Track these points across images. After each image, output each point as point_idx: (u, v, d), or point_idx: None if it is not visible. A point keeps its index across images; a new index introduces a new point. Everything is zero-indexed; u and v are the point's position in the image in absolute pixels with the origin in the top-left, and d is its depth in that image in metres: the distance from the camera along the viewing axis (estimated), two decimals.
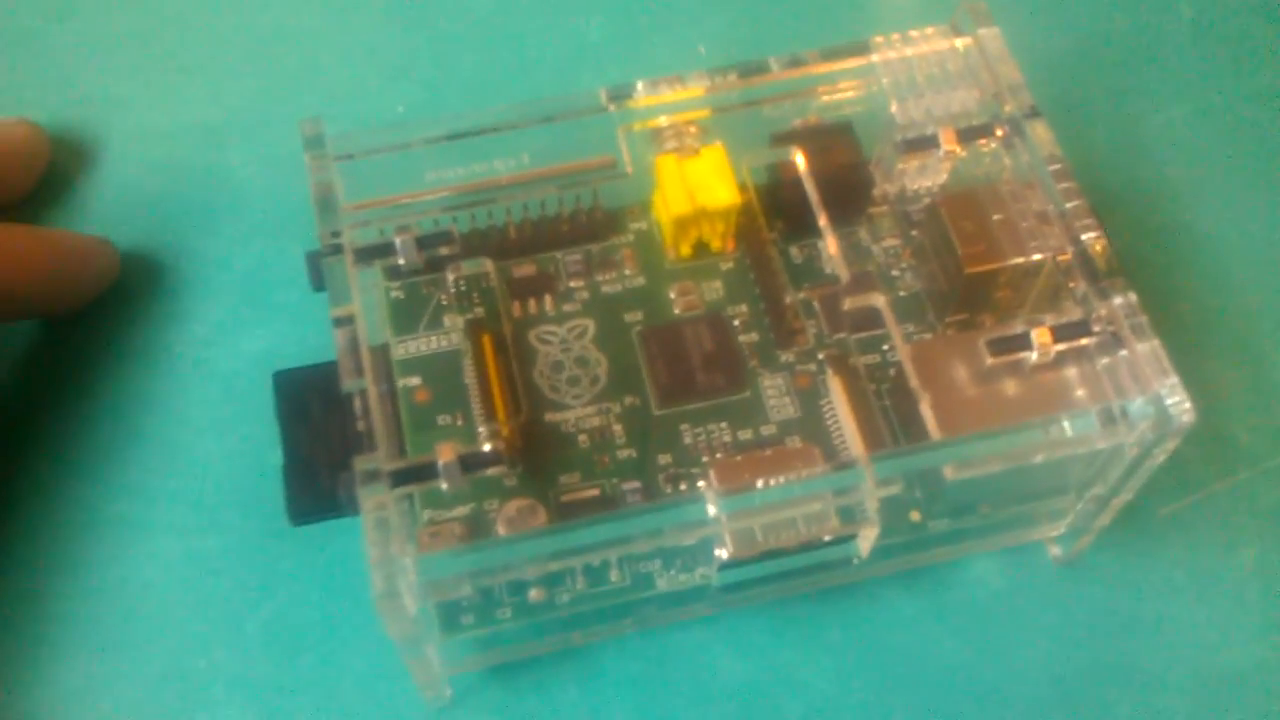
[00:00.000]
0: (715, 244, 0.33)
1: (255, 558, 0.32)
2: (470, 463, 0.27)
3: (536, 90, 0.38)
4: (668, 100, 0.32)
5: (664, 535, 0.27)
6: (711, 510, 0.26)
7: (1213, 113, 0.39)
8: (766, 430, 0.31)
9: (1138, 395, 0.27)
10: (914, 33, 0.32)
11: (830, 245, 0.32)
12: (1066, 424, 0.28)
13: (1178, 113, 0.39)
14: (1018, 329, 0.29)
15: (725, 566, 0.28)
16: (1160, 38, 0.40)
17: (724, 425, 0.31)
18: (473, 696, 0.30)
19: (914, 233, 0.33)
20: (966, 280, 0.30)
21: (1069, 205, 0.29)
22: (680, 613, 0.31)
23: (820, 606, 0.32)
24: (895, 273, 0.33)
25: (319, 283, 0.29)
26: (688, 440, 0.31)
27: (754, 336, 0.32)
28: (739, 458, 0.30)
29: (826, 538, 0.27)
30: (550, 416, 0.31)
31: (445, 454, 0.27)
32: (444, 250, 0.31)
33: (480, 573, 0.27)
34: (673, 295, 0.33)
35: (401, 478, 0.27)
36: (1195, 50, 0.40)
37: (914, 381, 0.29)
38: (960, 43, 0.32)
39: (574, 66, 0.40)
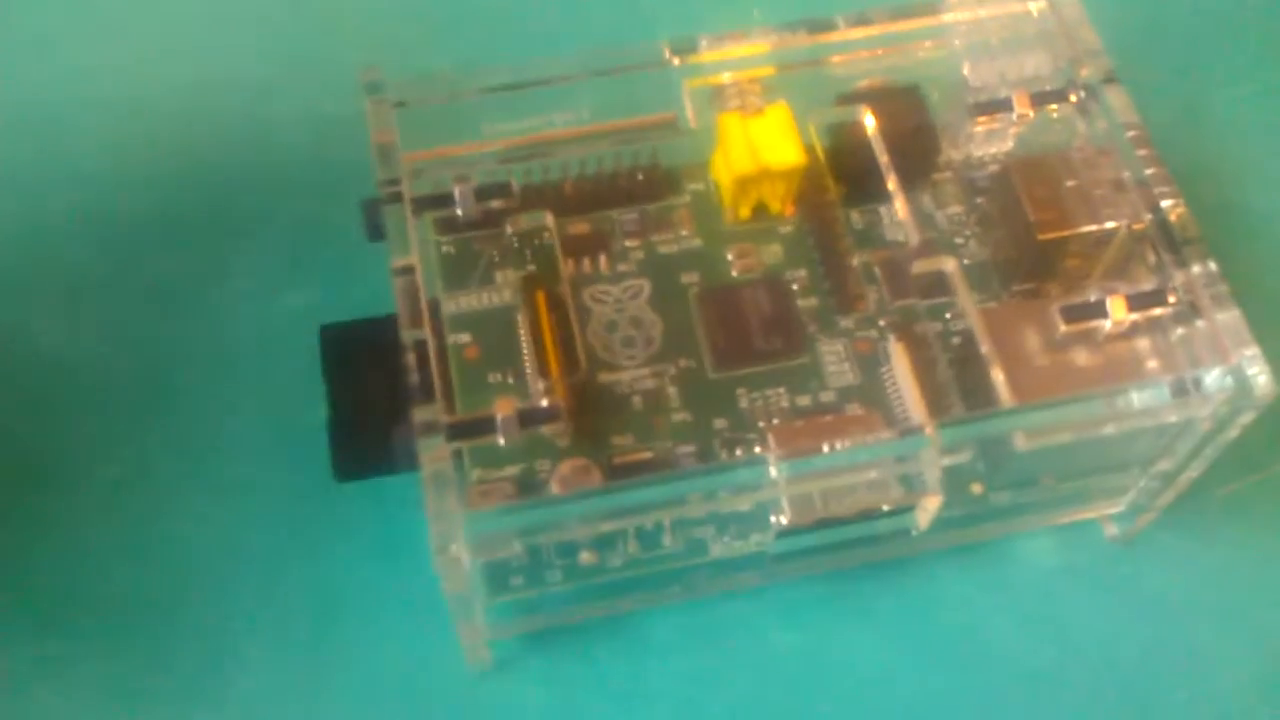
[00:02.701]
0: (775, 206, 0.33)
1: (295, 516, 0.32)
2: (528, 418, 0.27)
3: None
4: (732, 56, 0.31)
5: (721, 498, 0.26)
6: (772, 473, 0.26)
7: (1275, 93, 0.38)
8: (825, 397, 0.30)
9: (1214, 366, 0.27)
10: None
11: (899, 209, 0.31)
12: (1139, 395, 0.27)
13: (1242, 91, 0.38)
14: (1092, 297, 0.28)
15: (783, 534, 0.27)
16: (1227, 15, 0.39)
17: (781, 390, 0.30)
18: (515, 662, 0.30)
19: (979, 200, 0.33)
20: (1038, 247, 0.30)
21: (1147, 172, 0.29)
22: (730, 581, 0.30)
23: (871, 580, 0.31)
24: (959, 240, 0.32)
25: (375, 232, 0.29)
26: (744, 405, 0.30)
27: (813, 301, 0.31)
28: (798, 423, 0.29)
29: (887, 506, 0.27)
30: (604, 377, 0.31)
31: (503, 408, 0.27)
32: (501, 203, 0.31)
33: (533, 530, 0.26)
34: (730, 258, 0.32)
35: (459, 431, 0.27)
36: (1262, 29, 0.39)
37: (984, 348, 0.28)
38: (1034, 6, 0.31)
39: (625, 27, 0.39)
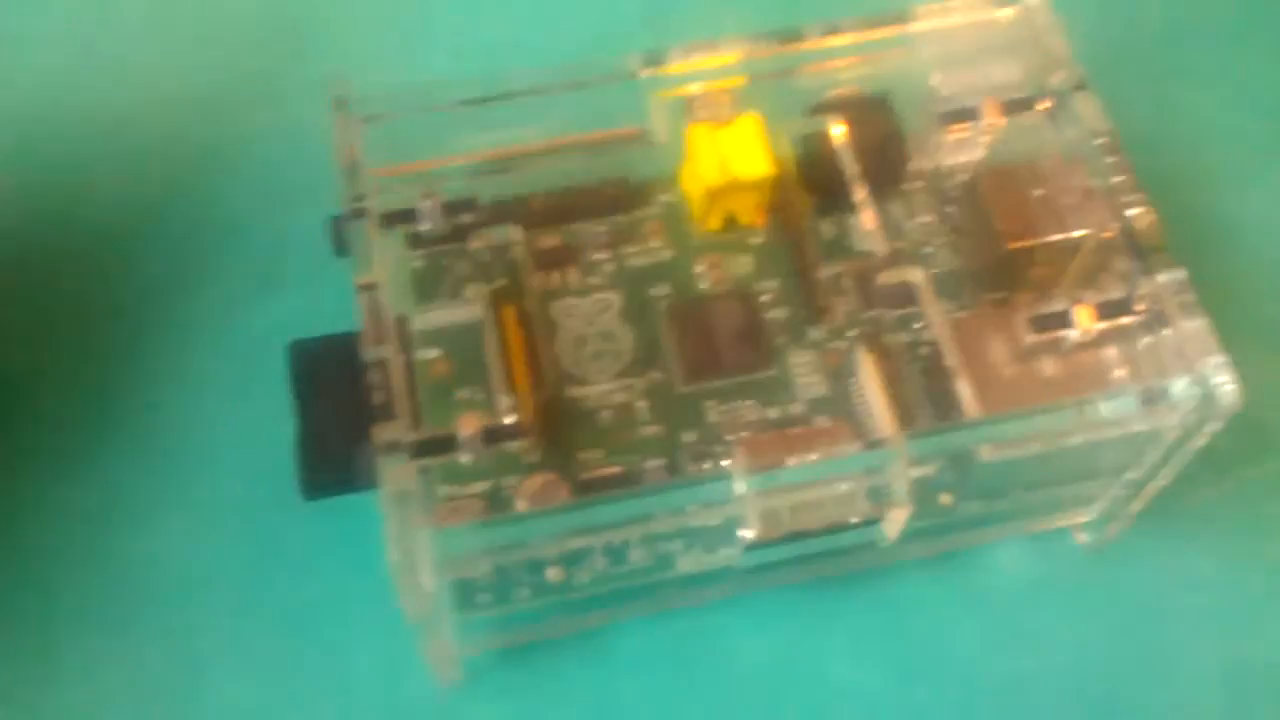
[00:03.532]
0: (745, 217, 0.32)
1: (265, 533, 0.32)
2: (493, 435, 0.27)
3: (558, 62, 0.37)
4: (701, 67, 0.31)
5: (689, 513, 0.26)
6: (739, 488, 0.26)
7: (1252, 96, 0.38)
8: (795, 409, 0.30)
9: (1182, 375, 0.26)
10: (955, 2, 0.31)
11: (867, 219, 0.31)
12: (1106, 405, 0.27)
13: (1215, 97, 0.38)
14: (1059, 306, 0.28)
15: (751, 548, 0.27)
16: (1199, 20, 0.39)
17: (750, 403, 0.30)
18: (485, 678, 0.30)
19: (949, 209, 0.32)
20: (1006, 256, 0.30)
21: (1115, 180, 0.28)
22: (700, 594, 0.30)
23: (843, 590, 0.31)
24: (929, 250, 0.32)
25: (341, 248, 0.29)
26: (713, 418, 0.30)
27: (783, 313, 0.31)
28: (766, 435, 0.29)
29: (856, 519, 0.27)
30: (572, 391, 0.30)
31: (467, 426, 0.27)
32: (468, 217, 0.30)
33: (501, 548, 0.26)
34: (700, 269, 0.32)
35: (422, 449, 0.26)
36: (1235, 34, 0.39)
37: (950, 359, 0.28)
38: (1004, 14, 0.31)
39: (600, 36, 0.39)
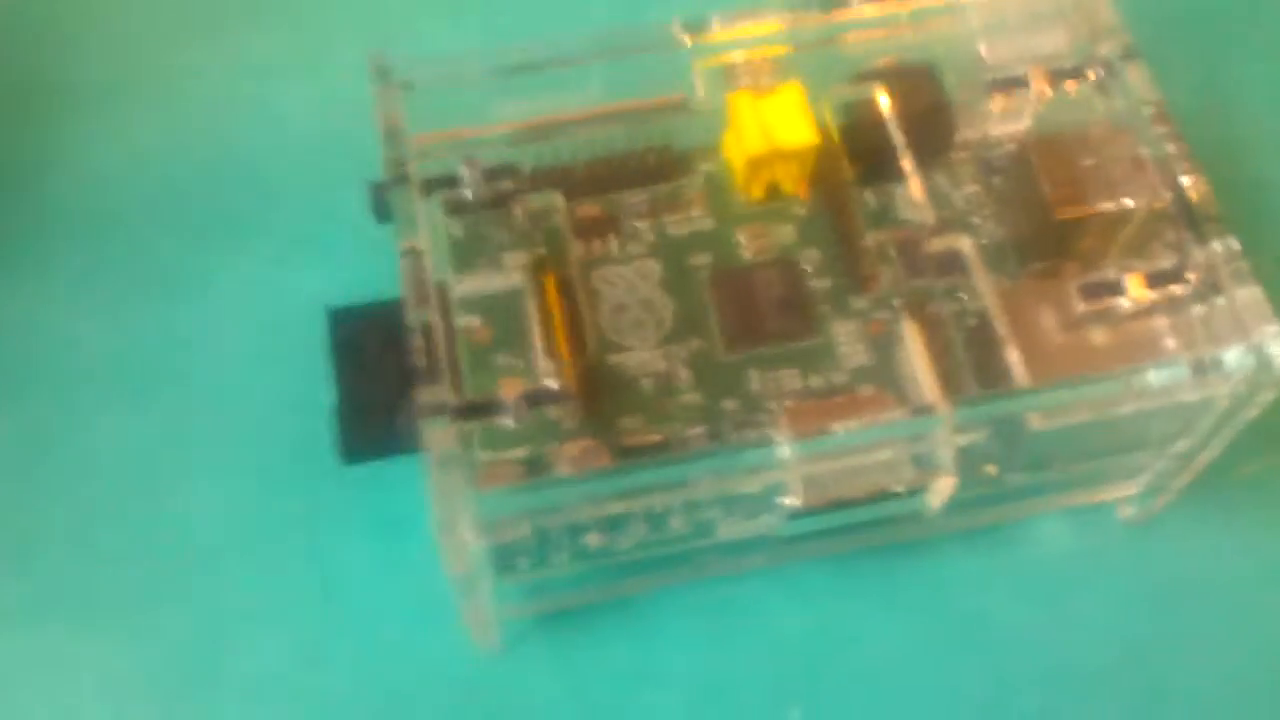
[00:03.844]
0: (788, 187, 0.32)
1: (300, 499, 0.31)
2: (536, 398, 0.27)
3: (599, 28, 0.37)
4: (744, 35, 0.31)
5: (731, 479, 0.26)
6: (784, 454, 0.25)
7: None
8: (838, 378, 0.30)
9: (1234, 344, 0.26)
10: None
11: (914, 188, 0.31)
12: (1157, 374, 0.26)
13: (1265, 67, 0.38)
14: (1110, 275, 0.28)
15: (793, 516, 0.27)
16: None
17: (793, 371, 0.30)
18: (522, 645, 0.30)
19: (995, 179, 0.32)
20: (1056, 227, 0.29)
21: (1167, 149, 0.28)
22: (740, 563, 0.30)
23: (884, 561, 0.31)
24: (975, 220, 0.32)
25: (383, 214, 0.28)
26: (755, 386, 0.30)
27: (826, 282, 0.31)
28: (810, 403, 0.29)
29: (900, 488, 0.26)
30: (613, 359, 0.30)
31: (510, 390, 0.26)
32: (509, 184, 0.30)
33: (541, 511, 0.26)
34: (742, 239, 0.32)
35: (465, 412, 0.26)
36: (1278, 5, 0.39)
37: (999, 328, 0.28)
38: None
39: (637, 4, 0.39)
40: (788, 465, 0.26)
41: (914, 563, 0.30)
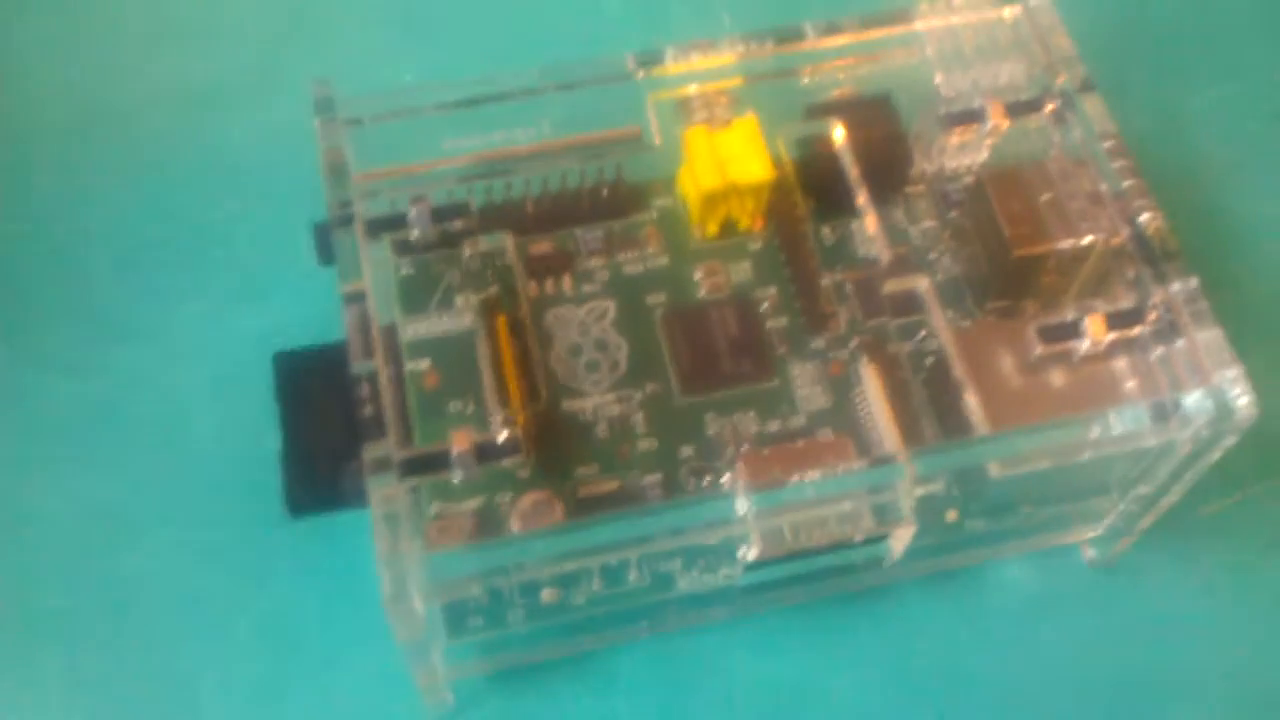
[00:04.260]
0: (744, 222, 0.32)
1: (249, 549, 0.31)
2: (486, 452, 0.26)
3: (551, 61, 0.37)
4: (698, 68, 0.30)
5: (689, 534, 0.25)
6: (741, 507, 0.25)
7: (1253, 94, 0.37)
8: (796, 421, 0.29)
9: (1195, 387, 0.26)
10: (959, 0, 0.30)
11: (870, 225, 0.30)
12: (1117, 419, 0.26)
13: (1222, 94, 0.38)
14: (1068, 316, 0.27)
15: (751, 567, 0.26)
16: (1204, 17, 0.39)
17: (751, 415, 0.29)
18: (477, 703, 0.29)
19: (953, 214, 0.32)
20: (1014, 263, 0.29)
21: (1124, 184, 0.28)
22: (699, 615, 0.29)
23: (846, 609, 0.30)
24: (932, 256, 0.31)
25: (327, 256, 0.28)
26: (712, 431, 0.29)
27: (783, 321, 0.30)
28: (767, 450, 0.28)
29: (860, 537, 0.26)
30: (567, 404, 0.30)
31: (460, 442, 0.26)
32: (460, 224, 0.30)
33: (492, 572, 0.25)
34: (698, 276, 0.31)
35: (412, 467, 0.26)
36: (1241, 30, 0.39)
37: (958, 370, 0.27)
38: (1008, 12, 0.30)
39: (593, 35, 0.38)
40: (745, 518, 0.25)
41: (876, 610, 0.30)
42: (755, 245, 0.32)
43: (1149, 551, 0.30)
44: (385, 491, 0.24)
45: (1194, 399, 0.26)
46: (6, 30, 0.39)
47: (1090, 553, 0.30)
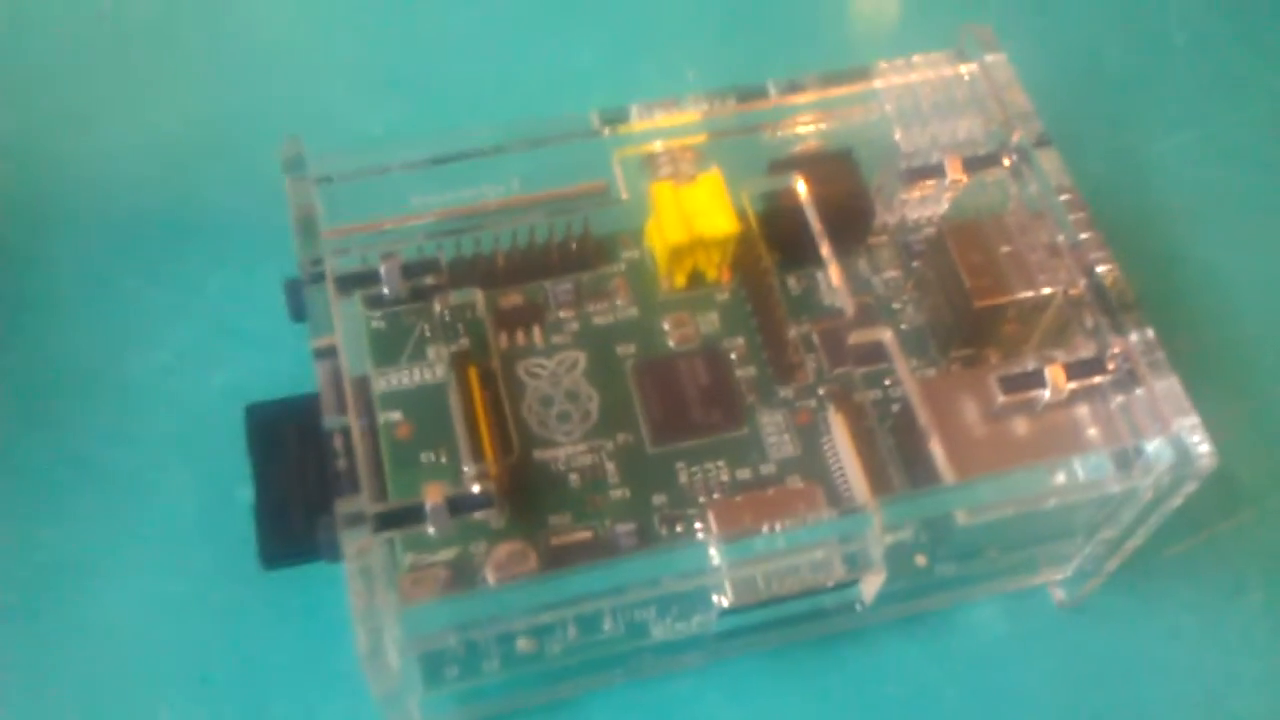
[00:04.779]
0: (711, 274, 0.32)
1: (222, 601, 0.30)
2: (459, 505, 0.26)
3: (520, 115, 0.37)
4: (662, 125, 0.31)
5: (663, 583, 0.25)
6: (713, 556, 0.25)
7: (1209, 141, 0.38)
8: (766, 469, 0.30)
9: (1155, 435, 0.26)
10: (917, 58, 0.31)
11: (834, 276, 0.31)
12: (1080, 466, 0.26)
13: (1174, 142, 0.39)
14: (1029, 366, 0.28)
15: (725, 614, 0.27)
16: (1153, 67, 0.40)
17: (721, 464, 0.30)
18: None
19: (915, 264, 0.32)
20: (975, 314, 0.29)
21: (1081, 236, 0.28)
22: (674, 662, 0.29)
23: (819, 653, 0.30)
24: (896, 305, 0.32)
25: (298, 313, 0.28)
26: (684, 479, 0.29)
27: (751, 371, 0.31)
28: (738, 498, 0.28)
29: (831, 584, 0.26)
30: (539, 454, 0.30)
31: (433, 495, 0.26)
32: (430, 279, 0.30)
33: (468, 624, 0.25)
34: (667, 327, 0.32)
35: (386, 521, 0.26)
36: (1189, 79, 0.40)
37: (923, 419, 0.28)
38: (965, 69, 0.31)
39: (560, 91, 0.39)
40: (718, 567, 0.25)
41: (850, 652, 0.30)
42: (723, 296, 0.32)
43: (1117, 592, 0.31)
44: (359, 545, 0.24)
45: (1154, 446, 0.26)
46: None
47: (1059, 594, 0.31)
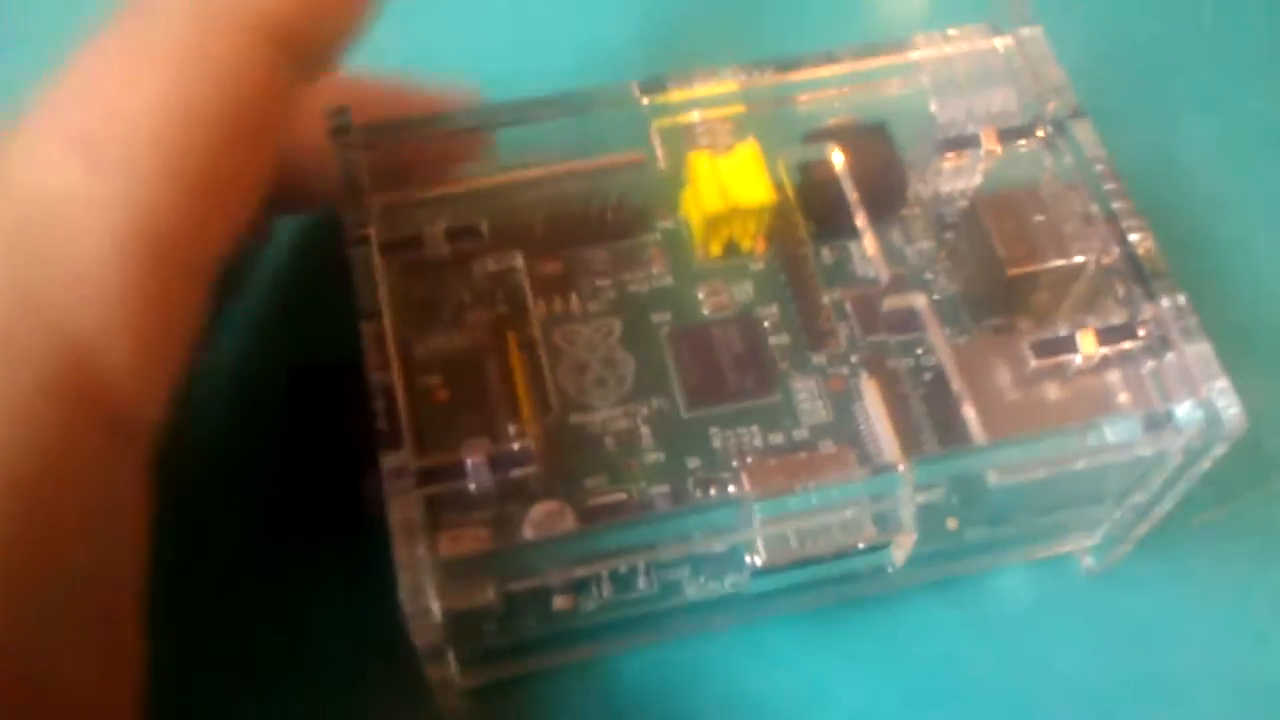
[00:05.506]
0: (746, 244, 0.33)
1: (260, 565, 0.31)
2: (499, 462, 0.27)
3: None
4: (700, 95, 0.31)
5: (696, 540, 0.26)
6: (746, 514, 0.26)
7: (1242, 121, 0.38)
8: (798, 434, 0.30)
9: (1185, 399, 0.27)
10: (953, 31, 0.32)
11: (869, 245, 0.31)
12: (1111, 430, 0.27)
13: (1209, 121, 0.39)
14: (1061, 332, 0.28)
15: (758, 574, 0.27)
16: (1191, 45, 0.40)
17: (754, 429, 0.30)
18: (488, 711, 0.29)
19: (947, 235, 0.33)
20: (1008, 282, 0.30)
21: (1115, 205, 0.29)
22: (706, 623, 0.30)
23: (850, 616, 0.31)
24: (929, 276, 0.32)
25: (343, 276, 0.28)
26: (717, 444, 0.30)
27: (785, 339, 0.31)
28: (771, 461, 0.29)
29: (863, 544, 0.27)
30: (576, 418, 0.30)
31: (474, 452, 0.26)
32: (470, 244, 0.30)
33: (507, 576, 0.26)
34: (701, 296, 0.32)
35: (428, 476, 0.26)
36: (1227, 58, 0.40)
37: (955, 384, 0.28)
38: (1000, 42, 0.31)
39: (593, 65, 0.39)
40: (750, 525, 0.26)
41: (881, 616, 0.30)
42: (757, 266, 0.33)
43: (1146, 560, 0.31)
44: (402, 499, 0.25)
45: (1185, 410, 0.27)
46: None
47: (1088, 561, 0.31)
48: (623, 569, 0.27)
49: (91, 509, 0.23)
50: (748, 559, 0.27)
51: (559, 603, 0.28)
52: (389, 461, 0.25)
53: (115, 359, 0.23)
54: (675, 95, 0.31)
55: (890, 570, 0.28)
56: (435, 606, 0.24)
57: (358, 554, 0.30)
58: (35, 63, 0.24)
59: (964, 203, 0.32)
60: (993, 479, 0.27)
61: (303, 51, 0.26)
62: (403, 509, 0.25)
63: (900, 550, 0.28)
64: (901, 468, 0.26)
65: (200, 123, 0.25)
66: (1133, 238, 0.28)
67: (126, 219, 0.23)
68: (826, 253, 0.33)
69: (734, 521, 0.26)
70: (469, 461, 0.26)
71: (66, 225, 0.23)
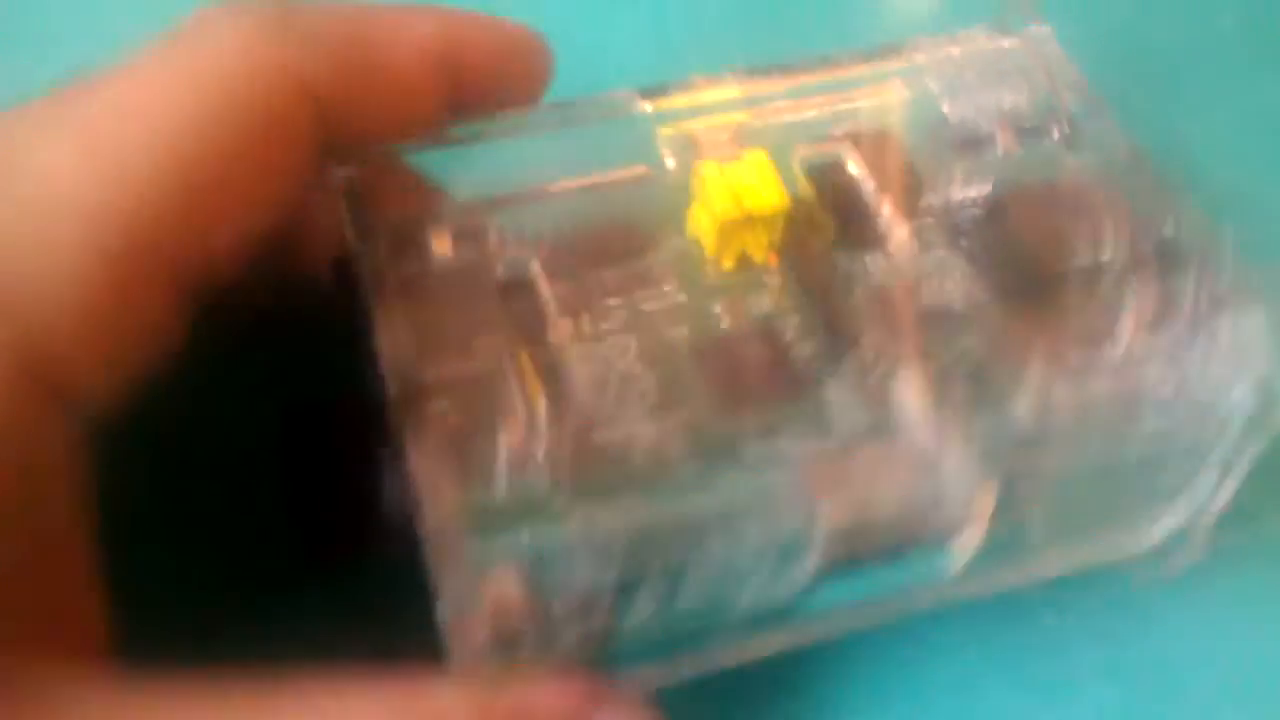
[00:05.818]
0: (759, 255, 0.32)
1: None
2: (523, 478, 0.25)
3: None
4: (704, 103, 0.31)
5: (742, 543, 0.25)
6: (794, 517, 0.24)
7: (1261, 119, 0.39)
8: (832, 441, 0.29)
9: (1235, 383, 0.26)
10: (960, 33, 0.31)
11: (887, 248, 0.30)
12: (1158, 415, 0.26)
13: (1225, 116, 0.39)
14: (1101, 322, 0.27)
15: (807, 585, 0.26)
16: (1205, 39, 0.40)
17: (791, 436, 0.29)
18: None
19: (966, 239, 0.32)
20: (1038, 281, 0.29)
21: (1141, 198, 0.28)
22: (750, 648, 0.28)
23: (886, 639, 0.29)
24: (949, 280, 0.31)
25: (348, 290, 0.27)
26: (750, 455, 0.28)
27: (809, 347, 0.30)
28: (815, 465, 0.27)
29: (921, 541, 0.25)
30: (599, 436, 0.29)
31: (498, 470, 0.25)
32: (478, 258, 0.29)
33: (540, 593, 0.24)
34: (718, 309, 0.31)
35: (455, 494, 0.25)
36: (1242, 51, 0.40)
37: (994, 382, 0.27)
38: (1009, 42, 0.31)
39: (596, 73, 0.38)
40: (801, 527, 0.24)
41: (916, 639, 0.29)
42: (772, 278, 0.32)
43: (1202, 572, 0.30)
44: (435, 515, 0.23)
45: (1236, 394, 0.26)
46: None
47: (1141, 575, 0.30)
48: (666, 583, 0.26)
49: (23, 472, 0.22)
50: (798, 563, 0.25)
51: (596, 620, 0.26)
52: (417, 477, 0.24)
53: (62, 332, 0.23)
54: (679, 102, 0.31)
55: (947, 577, 0.27)
56: (476, 625, 0.22)
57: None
58: (35, 63, 0.24)
59: (981, 206, 0.32)
60: (1042, 476, 0.26)
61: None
62: (438, 522, 0.23)
63: (956, 554, 0.27)
64: (949, 464, 0.25)
65: (204, 129, 0.25)
66: (1164, 229, 0.28)
67: (99, 204, 0.23)
68: (843, 259, 0.32)
69: (782, 524, 0.24)
70: (495, 476, 0.25)
71: (36, 200, 0.23)
